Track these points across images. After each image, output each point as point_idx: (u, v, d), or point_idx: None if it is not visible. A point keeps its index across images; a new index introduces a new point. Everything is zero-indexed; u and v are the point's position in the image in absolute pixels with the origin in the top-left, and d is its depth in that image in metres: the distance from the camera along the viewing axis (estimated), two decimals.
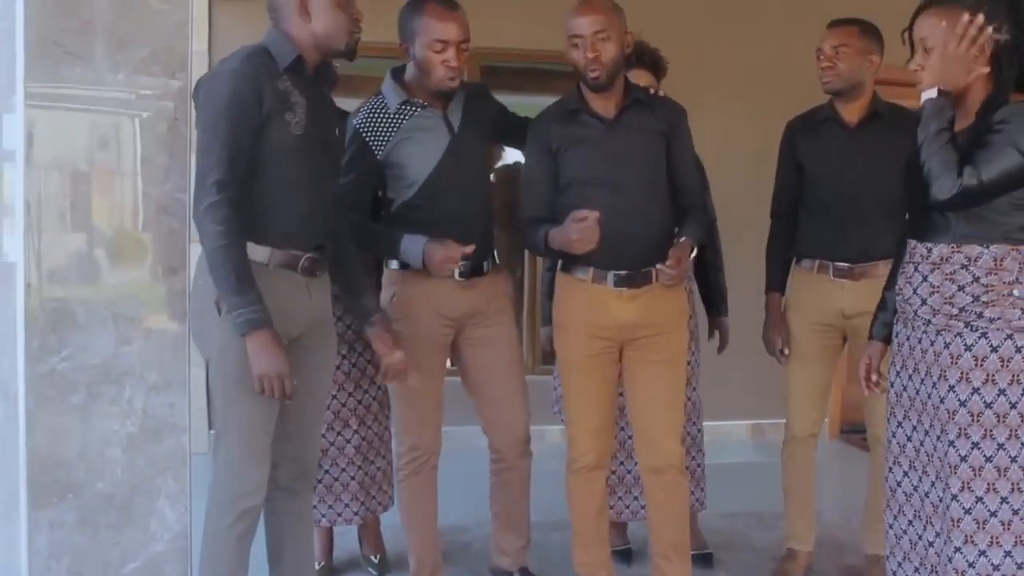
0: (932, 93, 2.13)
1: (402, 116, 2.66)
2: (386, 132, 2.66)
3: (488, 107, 2.83)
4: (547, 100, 2.87)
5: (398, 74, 2.72)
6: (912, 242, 2.26)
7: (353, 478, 3.09)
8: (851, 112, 2.99)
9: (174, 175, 2.28)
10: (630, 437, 2.98)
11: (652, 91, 2.85)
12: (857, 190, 2.91)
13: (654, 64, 3.12)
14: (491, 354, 2.75)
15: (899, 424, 2.31)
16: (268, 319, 2.17)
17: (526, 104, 5.56)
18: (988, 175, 2.06)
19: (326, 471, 3.05)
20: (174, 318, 2.33)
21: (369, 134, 2.66)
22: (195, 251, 2.35)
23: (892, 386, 2.33)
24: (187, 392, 2.35)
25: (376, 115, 2.67)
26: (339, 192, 2.54)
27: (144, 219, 2.30)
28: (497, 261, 2.80)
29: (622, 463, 3.17)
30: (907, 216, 2.36)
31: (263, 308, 2.17)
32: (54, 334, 2.23)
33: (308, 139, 2.27)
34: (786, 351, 3.04)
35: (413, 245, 2.63)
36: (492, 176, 5.31)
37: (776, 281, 3.10)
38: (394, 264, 2.74)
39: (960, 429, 2.13)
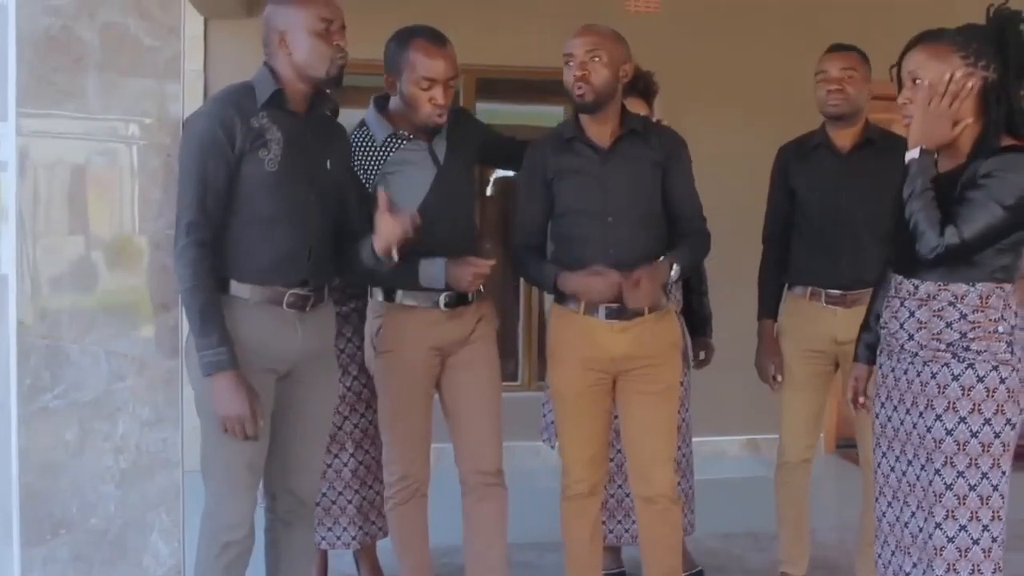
0: (915, 153, 2.16)
1: (388, 149, 2.65)
2: (373, 165, 2.64)
3: (472, 132, 2.81)
4: (542, 109, 2.84)
5: (382, 104, 2.69)
6: (898, 277, 2.27)
7: (350, 502, 3.10)
8: (844, 138, 3.00)
9: (167, 211, 2.29)
10: (621, 464, 3.00)
11: (653, 119, 2.85)
12: (850, 217, 2.92)
13: (645, 88, 3.13)
14: (468, 379, 2.73)
15: (883, 454, 2.34)
16: (232, 361, 2.17)
17: (520, 113, 5.64)
18: (970, 232, 2.08)
19: (323, 494, 3.05)
20: (167, 354, 2.34)
21: (358, 166, 2.64)
22: None
23: (877, 417, 2.34)
24: (180, 427, 2.37)
25: (363, 148, 2.65)
26: (354, 231, 2.47)
27: (137, 254, 2.32)
28: (482, 290, 2.76)
29: (620, 486, 3.18)
30: (892, 246, 2.37)
31: (227, 350, 2.17)
32: (47, 371, 2.25)
33: (285, 175, 2.26)
34: (779, 378, 3.05)
35: (432, 267, 2.60)
36: (490, 188, 5.35)
37: (768, 308, 3.11)
38: (379, 295, 2.70)
39: (946, 458, 2.16)
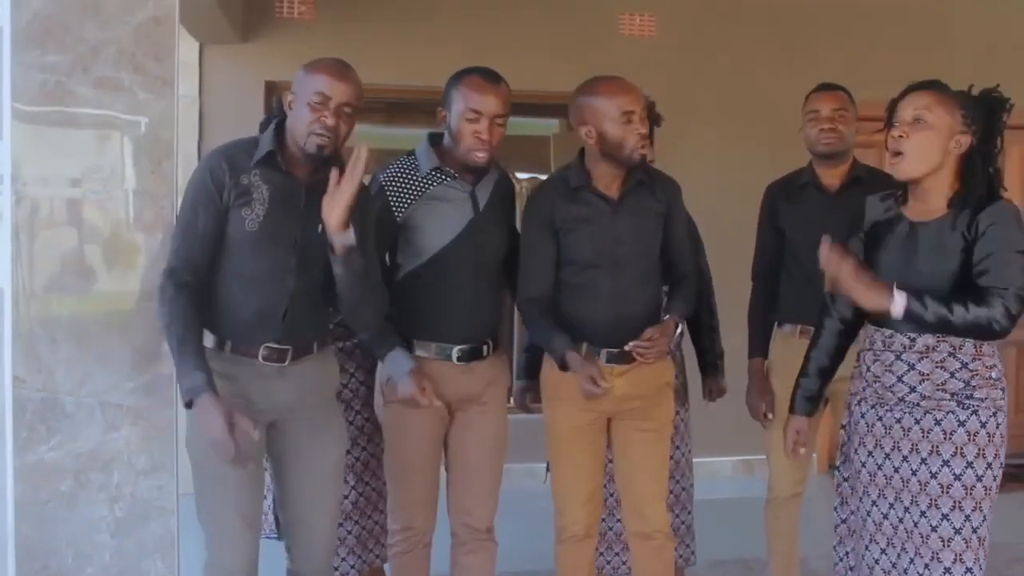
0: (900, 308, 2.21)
1: (431, 181, 2.61)
2: (411, 194, 2.60)
3: (512, 203, 2.78)
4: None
5: (435, 140, 2.67)
6: (886, 331, 2.31)
7: (350, 532, 3.12)
8: (832, 177, 3.03)
9: (159, 261, 2.31)
10: (611, 495, 3.02)
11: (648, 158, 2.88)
12: None
13: (648, 117, 3.13)
14: (473, 440, 2.71)
15: (874, 503, 2.36)
16: (207, 383, 2.13)
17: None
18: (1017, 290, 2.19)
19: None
20: (162, 403, 2.36)
21: (393, 193, 2.60)
22: None
23: (864, 466, 2.37)
24: (175, 474, 2.39)
25: (405, 175, 2.62)
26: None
27: (132, 305, 2.34)
28: (498, 345, 2.75)
29: (603, 520, 3.19)
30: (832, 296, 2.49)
31: (202, 375, 2.13)
32: (42, 424, 2.27)
33: (265, 234, 2.26)
34: (770, 415, 3.07)
35: (398, 364, 2.55)
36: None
37: (758, 346, 3.14)
38: None
39: (955, 502, 2.24)
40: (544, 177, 5.58)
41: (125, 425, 2.33)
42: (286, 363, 2.33)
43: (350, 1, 4.83)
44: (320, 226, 2.27)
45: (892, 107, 2.32)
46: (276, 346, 2.31)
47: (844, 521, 2.52)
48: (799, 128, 3.09)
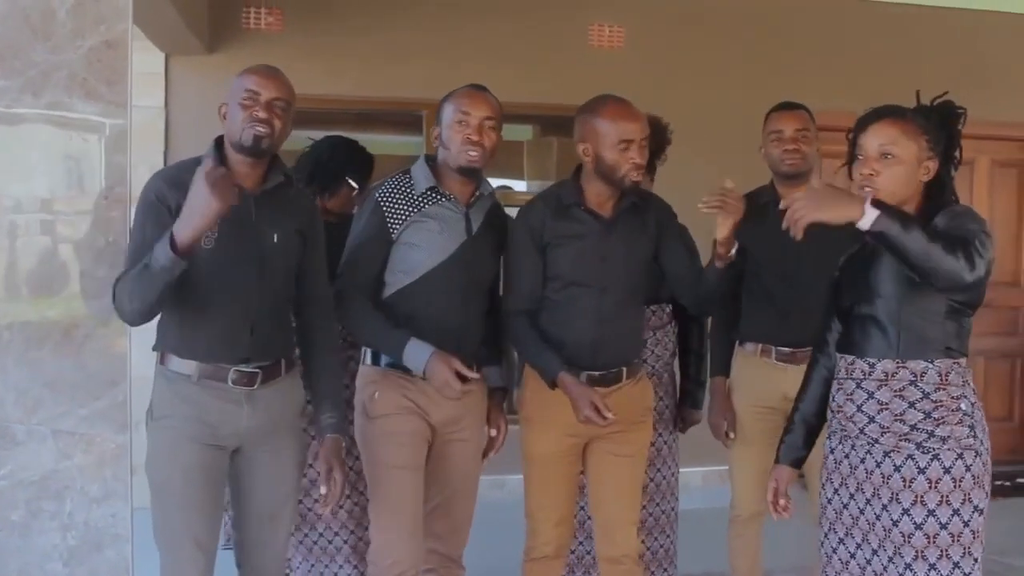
0: (872, 216, 2.02)
1: (426, 200, 2.58)
2: (406, 210, 2.56)
3: (504, 231, 2.73)
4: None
5: (431, 161, 2.65)
6: (848, 357, 2.26)
7: (346, 542, 3.14)
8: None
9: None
10: (590, 518, 2.98)
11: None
12: (800, 275, 2.93)
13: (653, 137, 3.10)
14: (450, 467, 2.66)
15: (841, 541, 2.29)
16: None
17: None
18: (982, 257, 2.03)
19: (320, 534, 3.11)
20: (116, 429, 2.34)
21: (389, 209, 2.56)
22: (136, 363, 2.37)
23: (830, 503, 2.31)
24: (130, 501, 2.37)
25: (400, 192, 2.58)
26: (315, 295, 2.47)
27: (84, 332, 2.31)
28: (480, 369, 2.68)
29: (581, 543, 3.19)
30: (826, 341, 2.37)
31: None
32: None
33: (222, 251, 2.24)
34: (732, 435, 3.08)
35: (417, 353, 2.49)
36: None
37: (720, 365, 3.13)
38: (368, 359, 2.62)
39: (916, 552, 2.13)
40: (519, 183, 5.68)
41: (78, 453, 2.31)
42: (255, 387, 2.31)
43: (318, 12, 4.82)
44: (275, 235, 2.28)
45: (854, 137, 2.24)
46: (245, 369, 2.29)
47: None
48: (759, 147, 3.10)
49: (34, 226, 2.31)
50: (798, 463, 2.42)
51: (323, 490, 2.39)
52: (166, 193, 2.22)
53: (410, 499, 2.57)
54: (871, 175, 2.17)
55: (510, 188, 5.51)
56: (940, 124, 2.22)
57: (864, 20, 5.20)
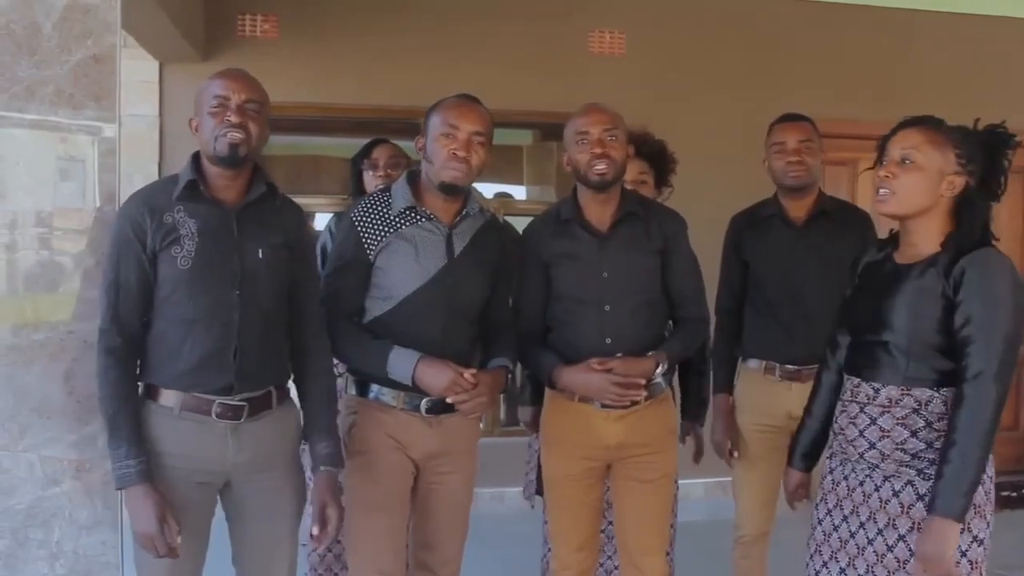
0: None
1: (403, 220, 2.42)
2: (381, 231, 2.41)
3: (501, 247, 2.58)
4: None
5: (413, 178, 2.50)
6: (854, 379, 2.21)
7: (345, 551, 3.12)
8: (798, 209, 2.98)
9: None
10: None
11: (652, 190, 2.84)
12: (804, 290, 2.89)
13: (652, 157, 3.04)
14: (436, 503, 2.52)
15: (824, 564, 2.25)
16: (141, 474, 2.06)
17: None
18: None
19: (337, 541, 2.96)
20: (104, 454, 2.26)
21: (364, 230, 2.42)
22: None
23: (820, 523, 2.27)
24: (119, 528, 2.30)
25: (376, 211, 2.43)
26: (307, 311, 2.32)
27: (73, 357, 2.25)
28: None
29: (610, 557, 3.11)
30: (836, 343, 2.33)
31: (137, 463, 2.06)
32: None
33: (200, 271, 2.12)
34: (735, 454, 3.01)
35: (402, 361, 2.35)
36: None
37: (723, 382, 3.06)
38: (352, 389, 2.48)
39: None
40: (518, 189, 5.62)
41: (66, 479, 2.25)
42: (241, 420, 2.18)
43: (313, 19, 4.77)
44: (260, 251, 2.17)
45: (883, 144, 2.19)
46: (230, 402, 2.16)
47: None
48: (762, 159, 3.03)
49: (21, 244, 2.24)
50: (810, 468, 2.40)
51: (315, 531, 2.23)
52: (142, 222, 2.11)
53: (384, 544, 2.42)
54: (887, 177, 2.14)
55: (509, 195, 5.46)
56: (983, 146, 2.13)
57: (866, 28, 5.14)
